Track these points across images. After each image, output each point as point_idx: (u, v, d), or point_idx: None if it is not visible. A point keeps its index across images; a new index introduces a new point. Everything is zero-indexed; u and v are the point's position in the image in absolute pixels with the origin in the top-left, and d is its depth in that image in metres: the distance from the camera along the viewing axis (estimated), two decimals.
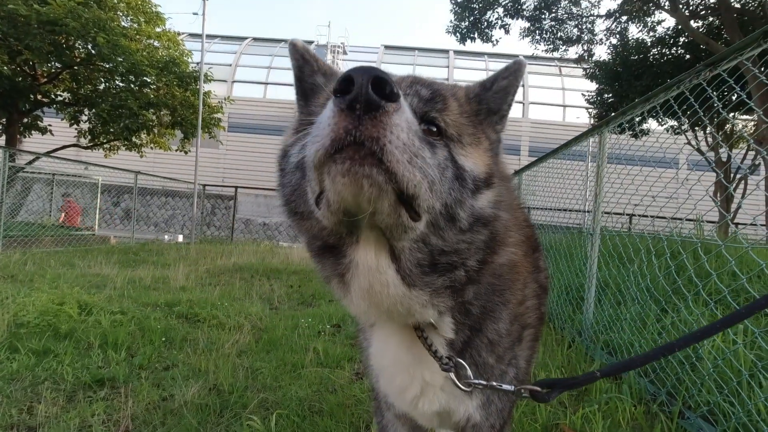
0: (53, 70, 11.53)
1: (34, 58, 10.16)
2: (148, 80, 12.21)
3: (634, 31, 13.68)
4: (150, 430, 2.11)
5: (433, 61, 27.21)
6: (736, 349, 2.07)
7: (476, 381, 0.90)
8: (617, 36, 13.45)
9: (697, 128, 11.63)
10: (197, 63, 14.44)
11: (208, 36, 18.28)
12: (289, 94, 25.08)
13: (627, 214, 3.42)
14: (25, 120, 12.12)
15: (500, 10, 13.01)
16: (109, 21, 10.30)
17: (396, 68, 25.52)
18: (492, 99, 0.95)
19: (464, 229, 0.76)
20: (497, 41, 13.68)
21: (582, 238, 4.14)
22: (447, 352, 0.91)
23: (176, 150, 14.47)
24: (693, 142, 12.08)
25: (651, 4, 12.31)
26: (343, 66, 26.49)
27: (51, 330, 3.32)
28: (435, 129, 0.78)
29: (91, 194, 14.87)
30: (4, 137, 11.83)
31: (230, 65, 25.07)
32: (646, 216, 3.18)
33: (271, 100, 24.75)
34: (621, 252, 3.04)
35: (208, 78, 13.95)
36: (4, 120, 11.67)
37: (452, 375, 0.90)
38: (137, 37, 11.88)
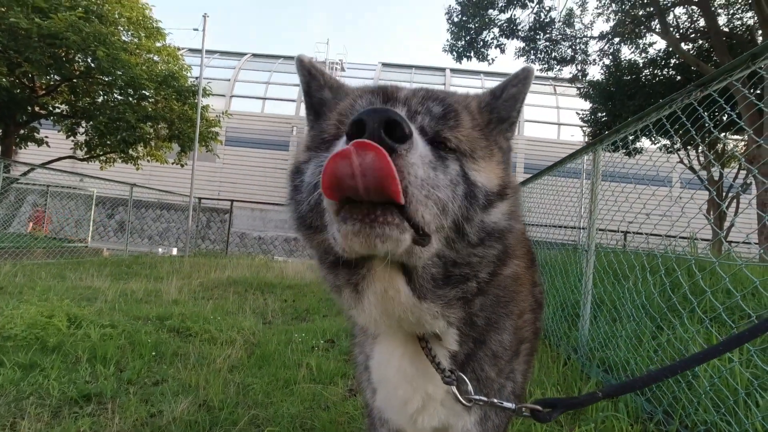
0: (52, 83, 11.59)
1: (34, 70, 10.22)
2: (147, 94, 12.29)
3: (627, 53, 14.01)
4: None
5: (430, 78, 27.62)
6: (732, 368, 2.06)
7: (477, 397, 0.88)
8: (610, 57, 13.74)
9: (689, 147, 11.80)
10: (196, 78, 14.57)
11: (208, 51, 18.49)
12: (287, 109, 25.30)
13: (621, 231, 3.43)
14: (22, 131, 12.11)
15: (496, 30, 13.28)
16: (110, 35, 10.40)
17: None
18: (502, 107, 0.97)
19: (474, 243, 0.76)
20: (493, 60, 13.92)
21: (577, 254, 4.15)
22: (450, 365, 0.91)
23: (173, 163, 14.48)
24: (685, 161, 12.24)
25: (643, 27, 12.62)
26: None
27: (38, 343, 3.25)
28: (448, 145, 0.79)
29: (85, 206, 14.78)
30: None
31: (229, 80, 25.30)
32: (641, 233, 3.19)
33: (269, 115, 24.93)
34: (616, 269, 3.04)
35: (207, 92, 14.06)
36: (0, 131, 11.65)
37: (454, 389, 0.88)
38: (137, 51, 11.99)
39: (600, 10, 13.55)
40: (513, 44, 13.97)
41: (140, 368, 2.96)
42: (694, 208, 2.52)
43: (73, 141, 13.17)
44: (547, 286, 4.52)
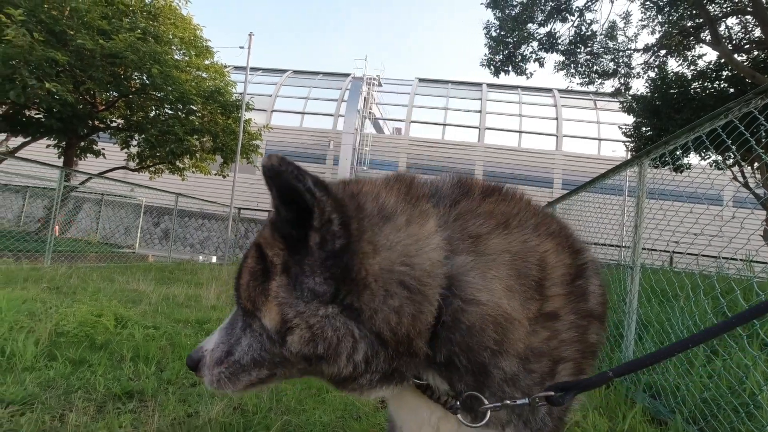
0: (111, 99, 12.43)
1: (96, 87, 11.01)
2: (194, 108, 12.95)
3: (674, 65, 13.47)
4: None
5: (466, 93, 27.58)
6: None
7: (489, 405, 0.84)
8: (656, 70, 13.25)
9: (744, 162, 11.11)
10: (240, 93, 15.23)
11: (252, 68, 19.30)
12: (325, 123, 25.93)
13: (668, 251, 3.25)
14: (82, 143, 13.01)
15: (535, 44, 13.15)
16: (164, 54, 11.09)
17: (430, 100, 25.70)
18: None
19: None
20: (531, 74, 13.74)
21: (619, 272, 3.96)
22: (450, 393, 0.86)
23: (215, 174, 15.11)
24: (739, 177, 11.51)
25: (691, 39, 12.12)
26: (378, 98, 27.23)
27: (88, 340, 3.43)
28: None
29: (134, 214, 15.62)
30: (62, 159, 12.71)
31: (270, 96, 26.27)
32: (691, 254, 3.01)
33: (308, 129, 25.62)
34: (665, 287, 2.87)
35: (249, 107, 14.66)
36: (63, 143, 12.58)
37: (459, 416, 0.84)
38: (187, 68, 12.70)
39: (645, 22, 13.14)
40: (552, 58, 13.76)
41: (179, 369, 3.05)
42: (750, 229, 2.35)
43: (126, 152, 14.02)
44: None
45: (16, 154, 11.34)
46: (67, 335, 3.44)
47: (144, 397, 2.63)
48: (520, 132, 25.44)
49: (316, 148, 25.02)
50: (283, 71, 28.82)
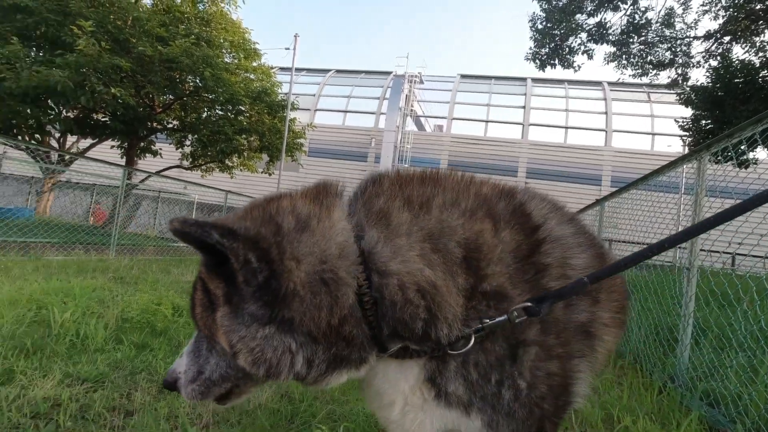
0: (167, 101, 13.19)
1: (154, 91, 11.74)
2: (243, 108, 13.49)
3: (739, 52, 12.45)
4: (227, 426, 2.25)
5: (510, 89, 26.88)
6: None
7: (471, 329, 0.84)
8: (718, 58, 12.33)
9: None
10: (285, 93, 15.70)
11: (296, 69, 19.81)
12: (367, 121, 26.16)
13: (729, 253, 3.05)
14: (142, 144, 13.90)
15: (583, 35, 12.61)
16: (215, 58, 11.64)
17: (472, 96, 25.16)
18: None
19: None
20: (579, 67, 13.19)
21: (674, 274, 3.75)
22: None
23: (261, 172, 15.68)
24: None
25: (760, 23, 11.18)
26: (420, 95, 27.13)
27: (149, 327, 3.69)
28: None
29: (187, 210, 16.50)
30: (124, 159, 13.64)
31: (314, 95, 26.83)
32: (756, 256, 2.81)
33: (350, 127, 25.96)
34: (726, 290, 2.70)
35: (294, 106, 15.09)
36: (126, 144, 13.50)
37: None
38: (236, 71, 13.25)
39: (707, 7, 12.26)
40: (602, 49, 13.15)
41: None
42: None
43: (180, 152, 14.83)
44: (637, 308, 4.14)
45: (85, 155, 12.29)
46: (131, 321, 3.72)
47: None
48: (567, 128, 24.44)
49: (358, 146, 25.29)
50: (326, 71, 29.33)
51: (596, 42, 12.64)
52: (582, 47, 12.81)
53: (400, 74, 25.88)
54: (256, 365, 0.81)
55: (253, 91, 13.40)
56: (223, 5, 12.90)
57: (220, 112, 13.60)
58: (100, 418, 2.21)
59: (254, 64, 14.16)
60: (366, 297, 0.81)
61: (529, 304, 0.83)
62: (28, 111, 10.24)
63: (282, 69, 24.65)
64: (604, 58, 13.34)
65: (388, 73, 27.54)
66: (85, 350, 3.07)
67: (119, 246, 9.40)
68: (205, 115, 13.79)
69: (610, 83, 24.87)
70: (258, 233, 0.80)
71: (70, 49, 9.56)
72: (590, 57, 13.07)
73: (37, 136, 11.94)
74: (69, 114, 11.93)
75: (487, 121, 25.43)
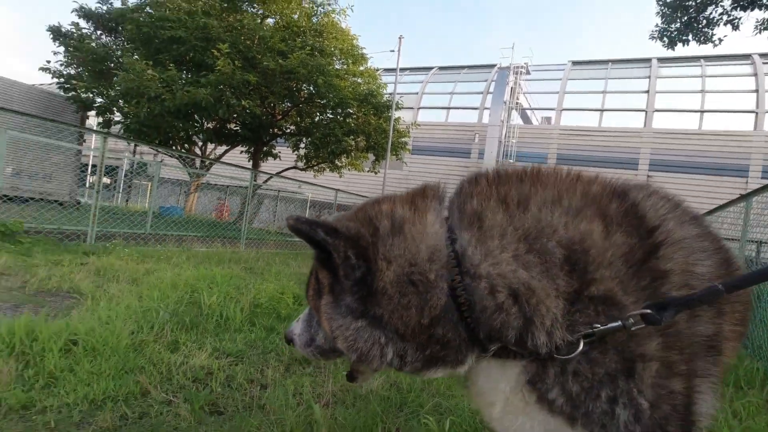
0: (285, 108, 14.56)
1: (275, 100, 13.07)
2: (351, 111, 14.30)
3: None
4: (343, 407, 2.49)
5: (630, 72, 24.04)
6: None
7: (584, 331, 0.79)
8: None
9: None
10: (390, 93, 16.22)
11: (400, 69, 20.28)
12: (470, 117, 25.70)
13: None
14: (264, 148, 15.55)
15: (727, 2, 10.70)
16: (327, 66, 12.53)
17: (584, 84, 22.98)
18: None
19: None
20: (720, 41, 11.22)
21: None
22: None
23: (367, 171, 16.45)
24: None
25: None
26: (526, 87, 25.76)
27: (275, 313, 4.19)
28: None
29: (301, 208, 18.01)
30: (251, 162, 15.42)
31: (417, 93, 27.18)
32: None
33: (453, 124, 25.76)
34: None
35: (399, 106, 15.52)
36: (252, 149, 15.24)
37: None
38: (345, 76, 14.08)
39: None
40: (753, 17, 10.99)
41: None
42: None
43: (296, 154, 16.26)
44: None
45: (220, 160, 14.21)
46: (260, 307, 4.26)
47: (319, 365, 3.14)
48: (702, 111, 20.99)
49: (461, 142, 24.98)
50: (429, 69, 29.45)
51: (745, 8, 10.64)
52: (724, 17, 10.89)
53: (505, 66, 24.88)
54: (350, 351, 0.90)
55: (361, 93, 14.10)
56: (334, 16, 13.79)
57: (330, 116, 14.60)
58: (242, 387, 2.62)
59: (361, 68, 14.90)
60: (461, 299, 0.83)
61: (648, 311, 0.77)
62: (180, 125, 12.21)
63: (386, 70, 25.45)
64: (756, 27, 11.15)
65: (492, 66, 26.66)
66: (227, 329, 3.62)
67: (247, 240, 10.68)
68: (317, 119, 14.92)
69: (762, 55, 20.81)
70: (358, 233, 0.88)
71: (211, 69, 11.12)
72: (735, 27, 11.03)
73: (186, 145, 14.15)
74: (209, 125, 13.87)
75: (602, 110, 23.13)
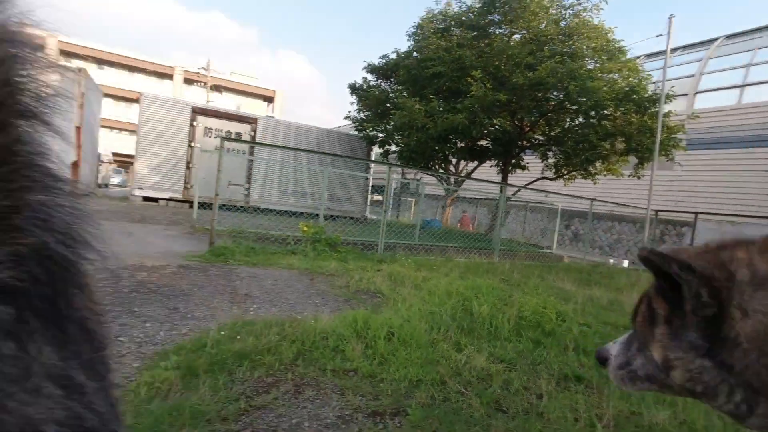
0: (533, 120, 14.52)
1: (524, 113, 13.24)
2: (606, 113, 13.02)
3: None
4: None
5: None
6: None
7: None
8: None
9: None
10: (656, 83, 13.93)
11: (671, 50, 17.04)
12: None
13: None
14: (513, 161, 15.88)
15: None
16: (579, 69, 11.86)
17: None
18: None
19: None
20: None
21: None
22: None
23: (628, 175, 14.51)
24: None
25: None
26: None
27: (539, 327, 4.42)
28: None
29: (549, 218, 17.43)
30: (500, 175, 16.05)
31: (692, 75, 22.14)
32: None
33: (747, 105, 19.72)
34: None
35: (669, 97, 13.15)
36: (501, 163, 15.84)
37: None
38: (599, 75, 12.94)
39: None
40: None
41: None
42: None
43: (544, 164, 15.90)
44: None
45: (471, 176, 15.40)
46: (525, 319, 4.56)
47: (590, 384, 3.21)
48: None
49: (758, 128, 18.86)
50: (711, 41, 23.52)
51: None
52: None
53: None
54: (692, 382, 0.94)
55: (619, 91, 12.66)
56: (584, 15, 12.96)
57: (582, 121, 13.68)
58: (519, 393, 2.98)
59: (619, 62, 13.40)
60: None
61: None
62: (438, 148, 13.95)
63: (648, 56, 21.78)
64: None
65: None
66: (497, 337, 4.08)
67: (500, 251, 11.21)
68: (567, 125, 14.22)
69: None
70: (712, 274, 0.91)
71: (465, 94, 12.27)
72: None
73: (443, 165, 15.99)
74: (462, 145, 15.22)
75: None
